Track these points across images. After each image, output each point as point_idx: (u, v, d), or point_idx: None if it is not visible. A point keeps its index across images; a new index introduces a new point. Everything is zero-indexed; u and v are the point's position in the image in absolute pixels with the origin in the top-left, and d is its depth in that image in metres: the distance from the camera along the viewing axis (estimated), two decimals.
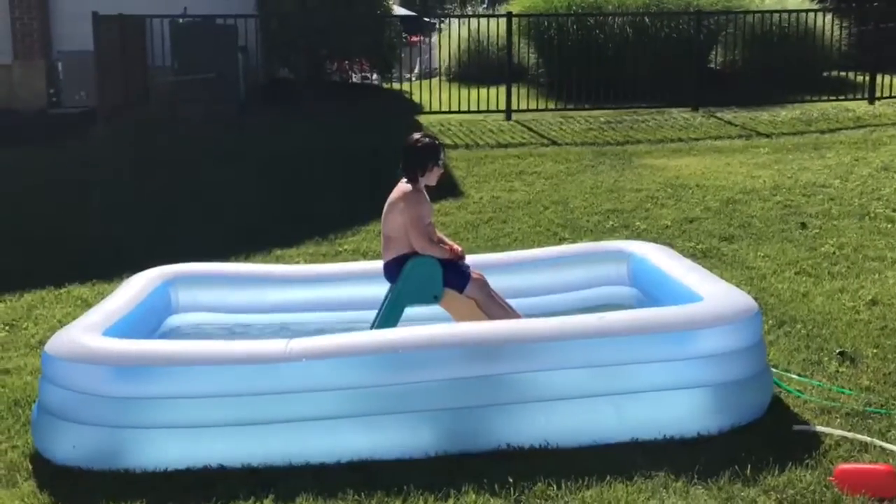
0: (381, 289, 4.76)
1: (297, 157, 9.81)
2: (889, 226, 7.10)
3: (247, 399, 3.68)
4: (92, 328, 4.04)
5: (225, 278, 5.12)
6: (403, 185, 4.55)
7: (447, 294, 4.60)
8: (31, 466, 3.75)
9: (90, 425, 3.68)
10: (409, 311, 4.64)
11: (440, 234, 4.81)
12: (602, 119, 11.65)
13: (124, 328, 4.18)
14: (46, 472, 3.69)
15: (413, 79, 14.37)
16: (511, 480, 3.43)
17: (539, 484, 3.41)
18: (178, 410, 3.67)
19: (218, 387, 3.69)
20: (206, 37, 11.75)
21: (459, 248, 4.70)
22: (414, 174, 4.55)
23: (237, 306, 5.06)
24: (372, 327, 4.56)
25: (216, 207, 8.27)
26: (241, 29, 11.82)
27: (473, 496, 3.35)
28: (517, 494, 3.36)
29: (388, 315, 4.58)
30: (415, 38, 15.95)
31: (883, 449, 3.65)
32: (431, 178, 4.59)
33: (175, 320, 4.97)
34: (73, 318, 4.76)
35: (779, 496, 3.32)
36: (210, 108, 11.49)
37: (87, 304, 5.66)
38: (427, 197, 4.61)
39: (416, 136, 4.62)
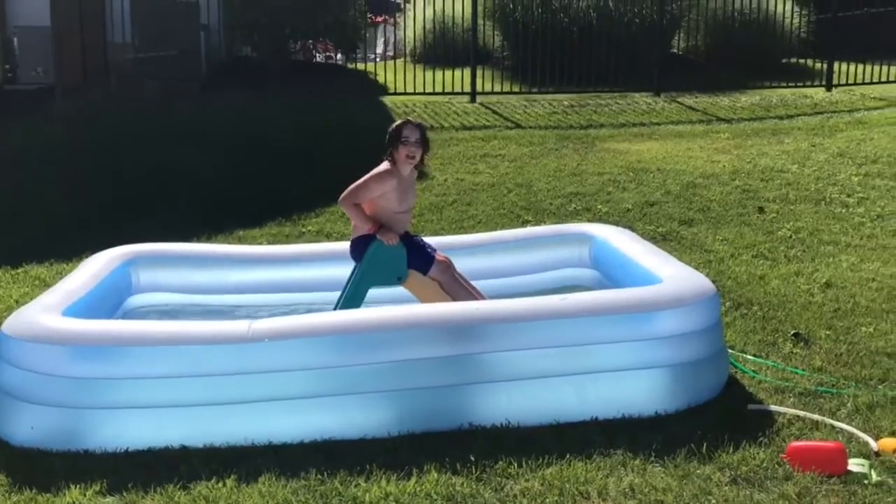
0: (344, 270, 4.75)
1: (259, 136, 9.72)
2: (844, 210, 7.26)
3: (209, 379, 3.67)
4: (51, 308, 3.99)
5: (186, 259, 5.07)
6: (383, 164, 4.57)
7: (411, 275, 4.61)
8: None
9: (49, 406, 3.64)
10: (373, 293, 4.65)
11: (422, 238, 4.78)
12: (566, 103, 11.70)
13: (84, 308, 4.14)
14: (4, 453, 3.65)
15: (377, 59, 14.29)
16: (473, 459, 3.47)
17: (500, 462, 3.46)
18: (139, 391, 3.65)
19: (179, 367, 3.67)
20: (168, 13, 11.56)
21: (395, 238, 4.51)
22: (388, 157, 4.56)
23: (198, 287, 5.02)
24: (335, 308, 4.56)
25: (178, 187, 8.17)
26: (203, 5, 11.65)
27: (435, 475, 3.38)
28: (479, 473, 3.40)
29: (352, 296, 4.58)
30: (379, 18, 15.85)
31: (833, 427, 3.75)
32: (401, 157, 4.51)
33: (135, 300, 4.93)
34: (31, 298, 4.69)
35: (733, 473, 3.41)
36: (171, 86, 11.33)
37: (46, 284, 5.57)
38: (398, 181, 4.50)
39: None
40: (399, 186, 4.52)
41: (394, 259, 4.54)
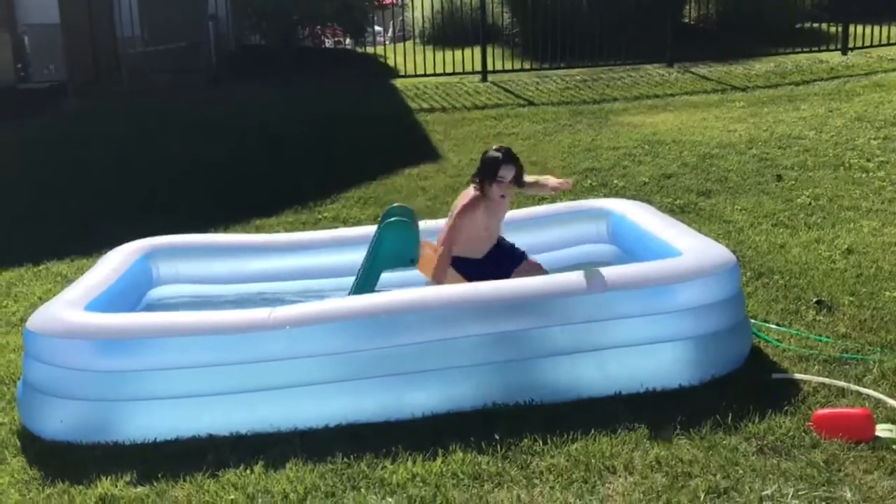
0: (361, 255, 4.75)
1: (271, 124, 9.74)
2: (863, 175, 7.17)
3: (232, 368, 3.69)
4: (74, 303, 4.02)
5: (204, 249, 5.10)
6: (469, 189, 4.53)
7: (424, 256, 4.60)
8: (19, 443, 3.76)
9: (77, 399, 3.68)
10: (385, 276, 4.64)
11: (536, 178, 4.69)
12: (578, 77, 11.62)
13: (106, 302, 4.17)
14: (35, 447, 3.70)
15: (387, 42, 14.24)
16: (497, 438, 3.47)
17: (525, 440, 3.46)
18: (164, 382, 3.68)
19: (203, 357, 3.69)
20: (175, 5, 11.57)
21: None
22: (477, 182, 4.50)
23: (218, 277, 5.05)
24: (350, 294, 4.57)
25: (193, 179, 8.21)
26: None
27: (461, 454, 3.39)
28: (504, 451, 3.41)
29: (366, 280, 4.58)
30: (387, 1, 15.77)
31: (859, 393, 3.73)
32: (493, 193, 4.47)
33: (156, 293, 4.96)
34: (54, 295, 4.73)
35: (759, 443, 3.39)
36: (182, 78, 11.36)
37: (67, 280, 5.62)
38: (485, 206, 4.45)
39: (494, 147, 4.53)
40: (487, 210, 4.50)
41: (405, 241, 4.53)
